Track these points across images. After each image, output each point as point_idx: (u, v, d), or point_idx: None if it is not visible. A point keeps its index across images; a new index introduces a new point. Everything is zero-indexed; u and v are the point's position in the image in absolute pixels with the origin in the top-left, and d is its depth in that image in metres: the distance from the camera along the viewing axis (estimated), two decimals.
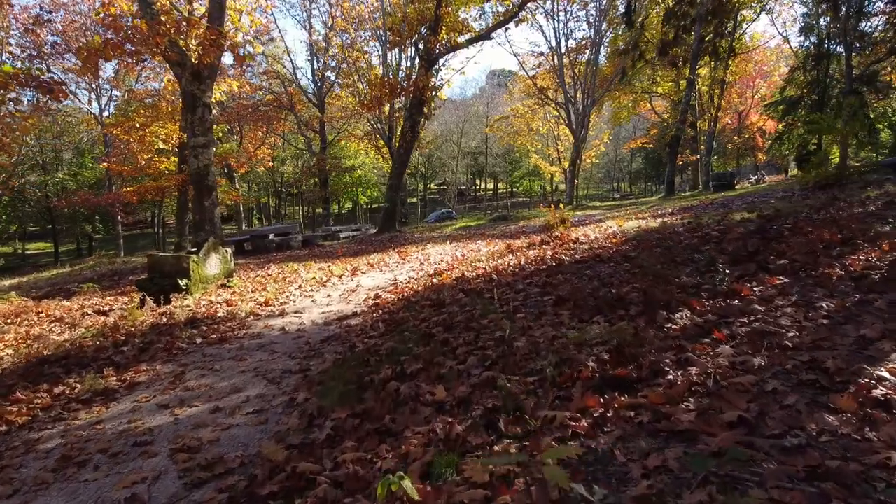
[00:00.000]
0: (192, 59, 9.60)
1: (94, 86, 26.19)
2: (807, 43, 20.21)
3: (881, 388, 1.76)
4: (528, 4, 17.23)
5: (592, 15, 23.55)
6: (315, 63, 26.16)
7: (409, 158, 18.00)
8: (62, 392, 3.25)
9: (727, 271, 3.33)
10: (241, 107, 24.37)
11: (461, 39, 15.86)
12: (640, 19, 17.31)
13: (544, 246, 6.87)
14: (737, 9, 18.77)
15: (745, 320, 2.63)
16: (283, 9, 54.25)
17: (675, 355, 2.28)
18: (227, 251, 7.65)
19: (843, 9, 16.22)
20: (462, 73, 63.12)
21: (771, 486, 1.33)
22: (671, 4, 16.12)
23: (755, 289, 3.11)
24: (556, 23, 24.87)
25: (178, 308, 5.53)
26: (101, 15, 9.72)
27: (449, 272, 6.22)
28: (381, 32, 20.18)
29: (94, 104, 26.72)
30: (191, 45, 9.77)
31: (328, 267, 8.53)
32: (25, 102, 17.76)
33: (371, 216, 40.85)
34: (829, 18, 17.93)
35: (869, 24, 17.60)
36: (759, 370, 2.05)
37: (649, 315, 2.91)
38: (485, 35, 16.17)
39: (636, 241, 5.76)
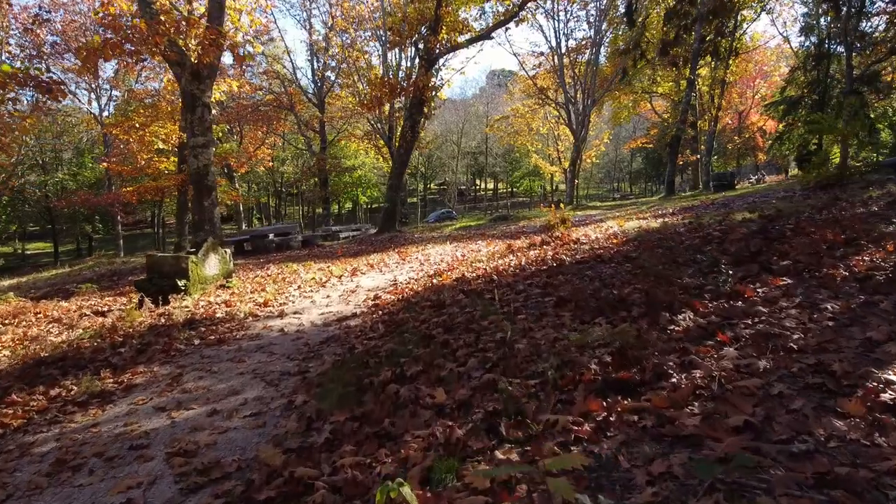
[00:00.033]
0: (192, 59, 9.57)
1: (93, 86, 26.17)
2: (807, 43, 20.20)
3: (890, 392, 1.73)
4: (529, 4, 17.20)
5: (593, 15, 23.54)
6: (315, 63, 26.16)
7: (409, 158, 17.97)
8: (58, 394, 3.22)
9: (730, 272, 3.30)
10: (240, 107, 24.34)
11: (461, 39, 15.83)
12: (640, 19, 17.27)
13: (545, 246, 6.84)
14: (737, 8, 18.73)
15: (749, 322, 2.60)
16: (283, 9, 54.25)
17: (679, 358, 2.25)
18: (226, 251, 7.61)
19: (844, 9, 16.19)
20: (462, 73, 63.14)
21: (779, 494, 1.30)
22: (672, 4, 16.09)
23: (758, 290, 3.08)
24: (556, 23, 24.84)
25: (176, 309, 5.49)
26: (101, 14, 9.71)
27: (449, 273, 6.19)
28: (381, 32, 20.15)
29: (94, 104, 26.72)
30: (190, 45, 9.74)
31: (328, 267, 8.50)
32: (25, 102, 17.77)
33: (371, 216, 40.83)
34: (829, 18, 17.90)
35: (869, 23, 17.57)
36: (764, 373, 2.02)
37: (651, 316, 2.88)
38: (485, 35, 16.14)
39: (637, 242, 5.73)
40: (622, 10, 22.68)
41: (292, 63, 30.17)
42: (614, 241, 6.17)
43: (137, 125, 16.09)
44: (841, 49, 17.72)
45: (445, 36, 15.29)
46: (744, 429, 1.64)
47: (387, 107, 19.86)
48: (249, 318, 5.09)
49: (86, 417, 2.84)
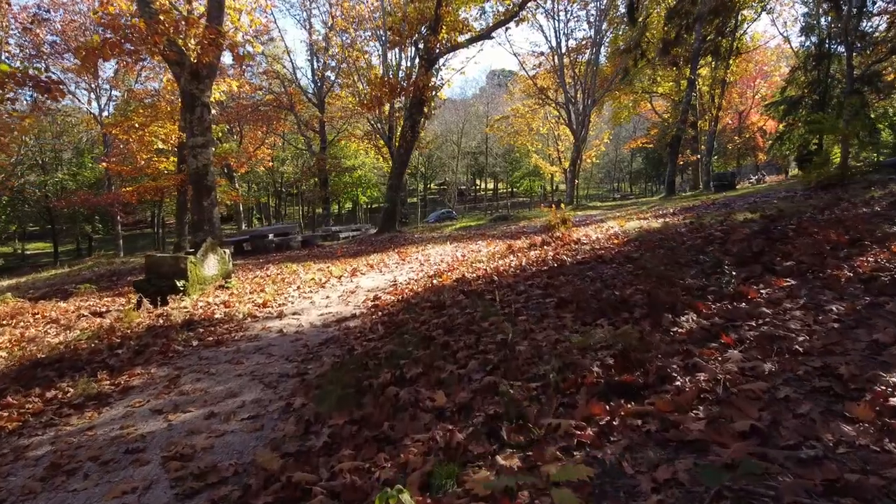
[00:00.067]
0: (191, 59, 9.54)
1: (93, 86, 26.13)
2: (808, 43, 20.15)
3: None
4: (529, 4, 17.17)
5: (593, 15, 23.51)
6: (315, 63, 26.11)
7: (409, 158, 17.93)
8: (54, 396, 3.19)
9: (733, 273, 3.26)
10: (240, 107, 24.31)
11: (461, 39, 15.79)
12: (641, 18, 17.23)
13: (545, 247, 6.80)
14: (738, 8, 18.71)
15: (753, 324, 2.57)
16: (283, 8, 54.28)
17: (683, 360, 2.22)
18: (225, 252, 7.58)
19: (845, 8, 16.16)
20: (462, 73, 63.12)
21: (788, 502, 1.27)
22: (673, 3, 16.05)
23: (762, 291, 3.05)
24: (556, 22, 24.83)
25: (174, 310, 5.46)
26: (100, 14, 9.68)
27: (449, 273, 6.15)
28: (381, 32, 20.11)
29: (94, 104, 26.66)
30: (189, 45, 9.71)
31: (327, 268, 8.47)
32: (25, 102, 17.75)
33: (371, 216, 40.79)
34: (830, 18, 17.88)
35: (870, 23, 17.53)
36: (769, 376, 1.99)
37: (654, 318, 2.85)
38: (485, 34, 16.10)
39: (638, 242, 5.70)
40: (622, 9, 22.67)
41: (292, 63, 30.18)
42: (615, 241, 6.14)
43: (137, 125, 16.05)
44: (841, 49, 17.69)
45: (445, 36, 15.25)
46: (750, 434, 1.61)
47: (387, 107, 19.82)
48: (248, 319, 5.06)
49: (81, 420, 2.81)
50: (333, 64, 25.74)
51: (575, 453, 1.70)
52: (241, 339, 4.31)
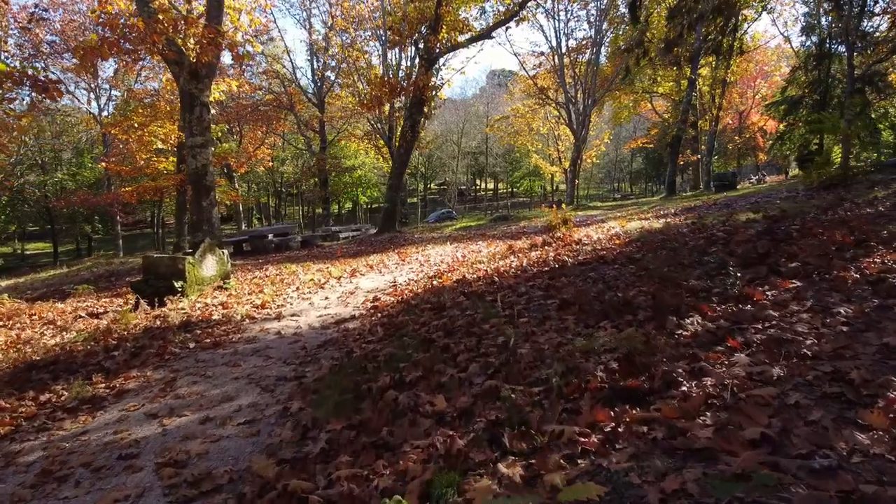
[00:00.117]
0: (190, 58, 9.50)
1: (93, 85, 26.08)
2: (808, 42, 20.11)
3: None
4: (529, 3, 17.13)
5: (593, 14, 23.46)
6: (315, 63, 26.07)
7: (409, 158, 17.88)
8: (48, 400, 3.14)
9: (738, 274, 3.21)
10: (240, 106, 24.27)
11: (461, 38, 15.75)
12: (643, 17, 17.19)
13: (546, 247, 6.76)
14: (739, 7, 18.65)
15: (760, 327, 2.51)
16: (283, 8, 54.25)
17: (688, 364, 2.16)
18: (223, 252, 7.53)
19: (846, 8, 16.11)
20: (462, 73, 63.06)
21: None
22: (674, 2, 16.00)
23: (767, 293, 3.00)
24: (556, 22, 24.78)
25: (172, 311, 5.41)
26: (98, 13, 9.63)
27: (449, 274, 6.10)
28: (381, 32, 20.07)
29: (94, 104, 26.62)
30: (188, 44, 9.66)
31: (327, 268, 8.42)
32: (24, 102, 17.69)
33: (371, 216, 40.75)
34: (830, 18, 17.83)
35: (871, 23, 17.48)
36: (778, 381, 1.93)
37: (658, 321, 2.80)
38: (485, 34, 16.06)
39: (640, 243, 5.65)
40: (623, 9, 22.63)
41: (292, 63, 30.15)
42: (617, 241, 6.09)
43: (136, 125, 16.00)
44: (842, 49, 17.64)
45: (445, 35, 15.20)
46: (760, 442, 1.56)
47: (387, 106, 19.78)
48: (246, 321, 5.01)
49: (75, 425, 2.76)
50: (333, 64, 25.70)
51: (579, 461, 1.65)
52: (238, 341, 4.26)
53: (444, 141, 43.96)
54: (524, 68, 27.04)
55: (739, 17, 20.16)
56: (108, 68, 27.20)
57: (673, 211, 10.28)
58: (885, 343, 2.12)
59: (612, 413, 1.88)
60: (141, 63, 22.48)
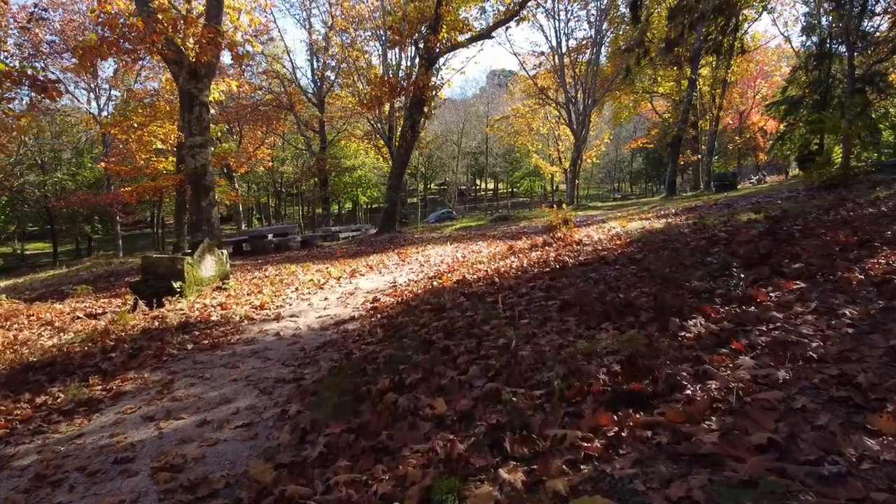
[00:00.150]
0: (190, 58, 9.47)
1: (92, 85, 26.05)
2: (809, 42, 20.08)
3: None
4: (529, 3, 17.09)
5: (593, 14, 23.43)
6: (315, 62, 26.03)
7: (409, 158, 17.84)
8: (44, 402, 3.10)
9: (741, 275, 3.18)
10: (240, 106, 24.24)
11: (462, 38, 15.71)
12: (643, 16, 17.13)
13: (547, 247, 6.72)
14: (740, 7, 18.61)
15: (764, 328, 2.48)
16: (283, 8, 54.26)
17: (692, 367, 2.13)
18: (222, 252, 7.50)
19: (845, 8, 16.08)
20: (462, 73, 62.98)
21: None
22: (675, 1, 15.93)
23: (771, 294, 2.96)
24: (556, 22, 24.75)
25: (170, 311, 5.38)
26: (97, 13, 9.60)
27: (449, 274, 6.07)
28: (381, 31, 20.04)
29: (93, 104, 26.59)
30: (188, 44, 9.64)
31: (326, 269, 8.38)
32: (24, 102, 17.67)
33: (371, 216, 40.71)
34: (831, 18, 17.81)
35: (871, 23, 17.45)
36: (784, 385, 1.90)
37: (661, 322, 2.76)
38: (485, 34, 16.02)
39: (641, 243, 5.62)
40: (623, 9, 22.61)
41: (292, 63, 30.10)
42: (618, 242, 6.06)
43: (136, 125, 15.96)
44: (843, 49, 17.61)
45: (446, 35, 15.17)
46: (767, 447, 1.53)
47: (387, 106, 19.75)
48: (245, 322, 4.98)
49: (71, 427, 2.73)
50: (333, 64, 25.67)
51: (582, 467, 1.62)
52: (237, 343, 4.23)
53: (444, 141, 43.92)
54: (524, 68, 27.03)
55: (740, 17, 20.13)
56: (107, 68, 27.20)
57: (674, 211, 10.25)
58: (891, 346, 2.09)
59: (615, 417, 1.84)
60: (140, 63, 22.46)
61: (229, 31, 10.78)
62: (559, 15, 23.90)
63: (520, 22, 17.50)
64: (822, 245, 3.74)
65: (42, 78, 9.10)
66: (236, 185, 25.32)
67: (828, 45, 18.21)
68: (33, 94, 9.18)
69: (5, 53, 19.78)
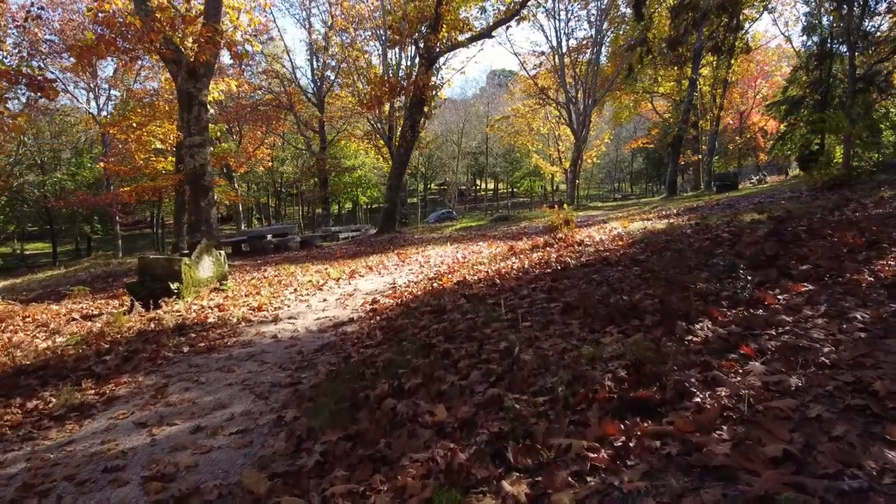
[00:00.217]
0: (188, 57, 9.40)
1: (91, 85, 25.98)
2: (809, 42, 20.01)
3: None
4: (529, 3, 17.02)
5: (594, 14, 23.35)
6: (315, 62, 25.96)
7: (409, 158, 17.77)
8: (35, 407, 3.03)
9: (748, 277, 3.11)
10: (239, 106, 24.18)
11: (462, 38, 15.64)
12: (646, 14, 17.07)
13: (548, 248, 6.66)
14: (742, 4, 18.54)
15: (773, 332, 2.41)
16: (283, 8, 54.12)
17: (701, 373, 2.06)
18: (220, 253, 7.42)
19: (846, 7, 16.02)
20: (462, 73, 62.91)
21: None
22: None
23: (779, 297, 2.90)
24: (557, 22, 24.67)
25: (167, 313, 5.31)
26: (95, 11, 9.53)
27: (450, 275, 6.00)
28: (381, 31, 19.98)
29: (93, 103, 26.51)
30: (186, 43, 9.57)
31: (325, 269, 8.32)
32: (22, 101, 17.59)
33: (371, 216, 40.65)
34: (832, 18, 17.75)
35: (872, 23, 17.39)
36: (797, 392, 1.83)
37: (667, 326, 2.69)
38: (486, 33, 15.95)
39: (644, 244, 5.55)
40: (623, 9, 22.54)
41: (292, 62, 30.03)
42: (620, 242, 5.99)
43: (135, 124, 15.88)
44: (844, 48, 17.55)
45: (446, 34, 15.10)
46: (783, 459, 1.46)
47: (387, 106, 19.68)
48: (242, 324, 4.91)
49: (61, 434, 2.66)
50: (333, 63, 25.60)
51: (588, 479, 1.55)
52: (233, 345, 4.16)
53: (444, 141, 43.85)
54: (524, 68, 26.96)
55: (741, 16, 20.06)
56: (107, 68, 27.15)
57: (675, 211, 10.18)
58: None
59: (622, 426, 1.77)
60: (140, 62, 22.41)
61: (228, 31, 10.71)
62: (559, 14, 23.86)
63: (520, 21, 17.44)
64: (829, 246, 3.67)
65: (39, 77, 9.05)
66: (236, 185, 25.26)
67: (829, 45, 18.15)
68: (30, 93, 9.11)
69: (3, 53, 19.70)
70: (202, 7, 10.13)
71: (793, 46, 24.85)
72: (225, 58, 19.03)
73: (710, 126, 23.80)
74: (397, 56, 21.13)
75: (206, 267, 6.92)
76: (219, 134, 22.42)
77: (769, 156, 30.62)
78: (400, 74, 19.53)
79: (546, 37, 51.47)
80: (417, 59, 16.12)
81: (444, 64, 20.44)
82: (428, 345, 3.28)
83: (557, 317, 3.34)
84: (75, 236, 35.68)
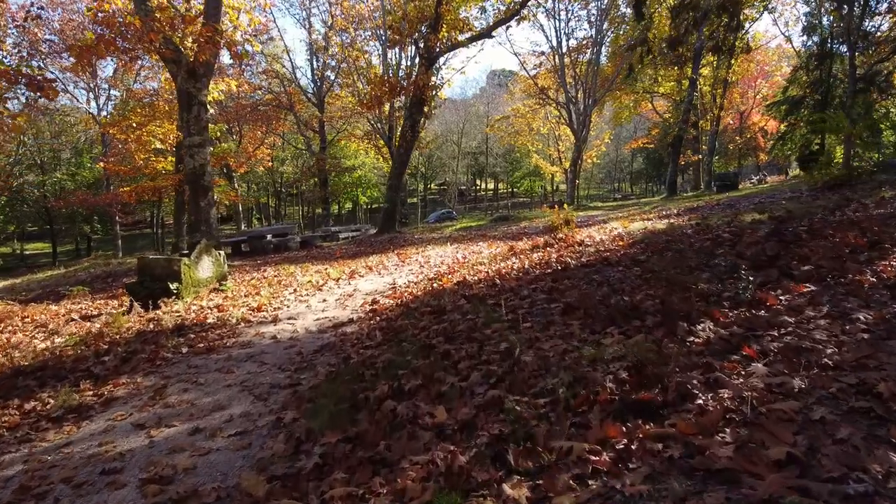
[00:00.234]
0: (188, 57, 9.39)
1: (91, 85, 25.96)
2: (810, 42, 20.00)
3: None
4: (529, 3, 17.00)
5: (594, 14, 23.34)
6: (315, 62, 25.95)
7: (410, 158, 17.76)
8: (33, 408, 3.02)
9: (750, 278, 3.10)
10: (239, 106, 24.16)
11: (462, 37, 15.63)
12: (647, 13, 17.06)
13: (548, 248, 6.64)
14: (743, 4, 18.54)
15: (776, 334, 2.40)
16: (283, 7, 54.15)
17: (703, 375, 2.05)
18: (220, 253, 7.41)
19: (846, 7, 16.00)
20: (462, 73, 62.88)
21: None
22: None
23: (781, 297, 2.88)
24: (557, 22, 24.63)
25: (166, 314, 5.29)
26: (94, 11, 9.52)
27: (450, 276, 5.99)
28: (381, 31, 19.96)
29: (93, 103, 26.49)
30: (186, 43, 9.56)
31: (325, 269, 8.30)
32: (22, 101, 17.57)
33: (371, 216, 40.63)
34: (832, 18, 17.73)
35: (872, 23, 17.38)
36: (800, 394, 1.82)
37: (668, 326, 2.68)
38: (486, 33, 15.94)
39: (644, 244, 5.54)
40: (623, 9, 22.53)
41: (292, 62, 30.01)
42: (620, 243, 5.98)
43: (135, 124, 15.87)
44: (844, 49, 17.53)
45: (446, 34, 15.08)
46: (786, 463, 1.44)
47: (387, 106, 19.66)
48: (241, 324, 4.89)
49: (59, 435, 2.64)
50: (333, 63, 25.58)
51: (590, 482, 1.53)
52: (233, 346, 4.15)
53: (444, 141, 43.84)
54: (524, 68, 26.94)
55: (742, 16, 20.05)
56: (107, 68, 27.13)
57: (675, 211, 10.17)
58: None
59: (623, 428, 1.76)
60: (140, 62, 22.39)
61: (228, 31, 10.70)
62: (559, 14, 23.84)
63: (520, 21, 17.42)
64: (831, 247, 3.66)
65: (38, 77, 9.04)
66: (236, 185, 25.25)
67: (829, 45, 18.14)
68: (30, 93, 9.09)
69: (3, 53, 19.68)
70: (202, 7, 10.12)
71: (793, 46, 24.86)
72: (225, 58, 19.02)
73: (710, 126, 23.79)
74: (397, 56, 21.14)
75: (206, 267, 6.91)
76: (219, 134, 22.40)
77: (769, 156, 30.61)
78: (400, 74, 19.52)
79: (546, 37, 51.54)
80: (417, 59, 16.11)
81: (444, 64, 20.45)
82: (428, 346, 3.26)
83: (558, 317, 3.33)
84: (75, 236, 35.67)
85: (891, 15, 16.66)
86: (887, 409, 1.65)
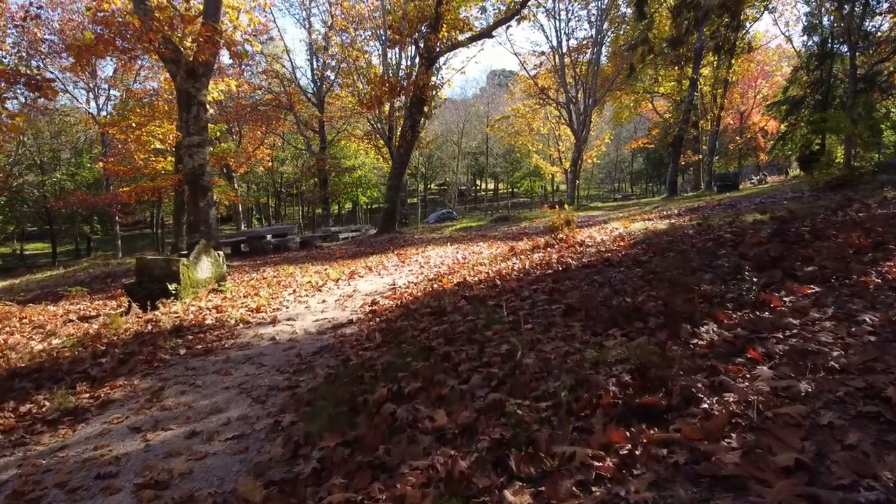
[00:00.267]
0: (187, 57, 9.35)
1: (91, 85, 25.92)
2: (810, 42, 19.98)
3: None
4: (530, 2, 16.97)
5: (594, 14, 23.29)
6: (314, 62, 25.91)
7: (410, 158, 17.72)
8: (28, 411, 2.98)
9: (753, 279, 3.06)
10: (239, 106, 24.13)
11: (462, 37, 15.60)
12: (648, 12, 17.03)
13: (549, 249, 6.61)
14: (744, 4, 18.51)
15: (781, 336, 2.36)
16: (283, 7, 54.10)
17: (708, 378, 2.01)
18: (219, 254, 7.38)
19: (847, 7, 15.98)
20: (463, 73, 62.90)
21: None
22: None
23: (785, 299, 2.85)
24: (557, 22, 24.60)
25: (164, 315, 5.26)
26: (93, 11, 9.49)
27: (450, 276, 5.95)
28: (381, 31, 19.93)
29: (92, 103, 26.45)
30: (186, 42, 9.53)
31: (325, 270, 8.27)
32: (21, 101, 17.54)
33: (371, 217, 40.60)
34: (832, 18, 17.71)
35: (873, 23, 17.36)
36: (806, 398, 1.78)
37: (671, 328, 2.65)
38: (486, 33, 15.91)
39: (646, 245, 5.50)
40: (624, 9, 22.50)
41: (291, 62, 29.94)
42: (621, 243, 5.94)
43: (134, 124, 15.83)
44: (844, 49, 17.51)
45: (446, 34, 15.05)
46: (794, 469, 1.41)
47: (387, 106, 19.63)
48: (240, 325, 4.86)
49: (54, 439, 2.61)
50: (333, 63, 25.55)
51: (594, 489, 1.50)
52: (231, 348, 4.11)
53: (444, 141, 43.80)
54: (525, 68, 26.91)
55: (742, 16, 20.03)
56: (106, 68, 27.10)
57: (676, 211, 10.14)
58: None
59: (627, 433, 1.73)
60: (139, 62, 22.36)
61: (228, 30, 10.68)
62: (560, 14, 23.80)
63: (520, 21, 17.39)
64: (835, 247, 3.63)
65: (37, 77, 9.01)
66: (236, 185, 25.22)
67: (829, 45, 18.11)
68: (29, 93, 9.08)
69: (2, 52, 19.65)
70: (201, 6, 10.09)
71: (793, 46, 24.85)
72: (224, 58, 18.97)
73: (710, 126, 23.76)
74: (397, 56, 21.11)
75: (205, 267, 6.87)
76: (218, 134, 22.38)
77: (770, 156, 30.60)
78: (400, 74, 19.49)
79: (546, 37, 51.49)
80: (417, 59, 16.08)
81: (444, 64, 20.42)
82: (428, 347, 3.23)
83: (559, 319, 3.29)
84: (75, 236, 35.64)
85: (891, 15, 16.64)
86: None
